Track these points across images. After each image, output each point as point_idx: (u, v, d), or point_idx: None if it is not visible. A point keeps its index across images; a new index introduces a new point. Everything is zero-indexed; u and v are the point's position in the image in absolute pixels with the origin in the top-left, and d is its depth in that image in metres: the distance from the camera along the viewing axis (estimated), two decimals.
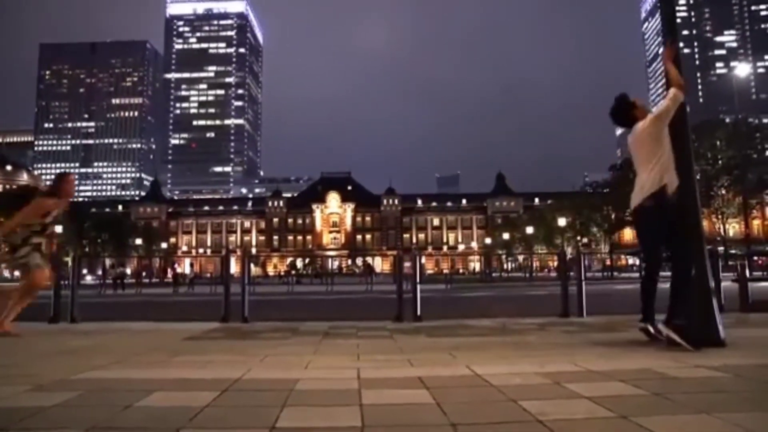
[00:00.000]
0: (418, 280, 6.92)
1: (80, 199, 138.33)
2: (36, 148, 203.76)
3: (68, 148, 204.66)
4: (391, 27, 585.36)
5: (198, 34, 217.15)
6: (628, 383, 2.68)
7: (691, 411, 2.17)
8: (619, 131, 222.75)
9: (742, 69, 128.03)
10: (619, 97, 4.32)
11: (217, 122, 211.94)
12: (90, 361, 3.61)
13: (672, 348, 3.76)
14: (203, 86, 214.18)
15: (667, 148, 3.99)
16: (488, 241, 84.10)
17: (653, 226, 4.02)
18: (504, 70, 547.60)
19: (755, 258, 24.03)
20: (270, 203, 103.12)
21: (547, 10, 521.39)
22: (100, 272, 31.86)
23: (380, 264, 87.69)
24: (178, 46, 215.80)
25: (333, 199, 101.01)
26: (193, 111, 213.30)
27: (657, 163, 3.95)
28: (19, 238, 5.42)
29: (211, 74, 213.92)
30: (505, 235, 72.78)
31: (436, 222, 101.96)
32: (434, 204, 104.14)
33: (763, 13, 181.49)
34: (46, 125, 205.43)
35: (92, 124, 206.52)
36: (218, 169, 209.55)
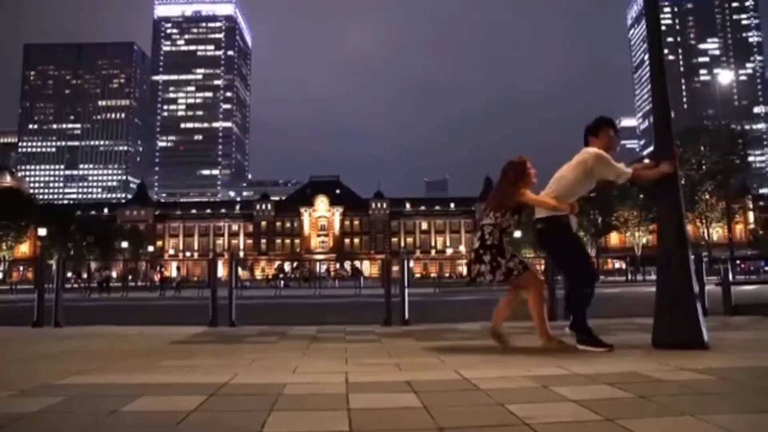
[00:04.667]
0: (406, 283, 6.92)
1: (65, 202, 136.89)
2: (20, 150, 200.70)
3: (53, 149, 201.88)
4: (380, 30, 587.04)
5: (186, 37, 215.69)
6: (613, 386, 2.70)
7: (676, 413, 2.20)
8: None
9: (725, 76, 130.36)
10: (598, 119, 4.35)
11: (205, 125, 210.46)
12: (74, 366, 3.56)
13: (658, 351, 3.81)
14: (191, 89, 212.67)
15: (564, 195, 4.10)
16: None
17: (560, 243, 4.18)
18: (493, 75, 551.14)
19: (738, 262, 24.35)
20: (258, 206, 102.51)
21: (537, 16, 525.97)
22: (85, 275, 31.46)
23: (368, 268, 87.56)
24: (166, 48, 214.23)
25: (321, 202, 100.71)
26: (180, 113, 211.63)
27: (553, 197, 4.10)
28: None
29: (199, 77, 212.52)
30: None
31: (424, 226, 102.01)
32: (422, 208, 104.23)
33: (744, 21, 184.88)
34: (30, 126, 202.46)
35: (78, 125, 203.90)
36: (206, 172, 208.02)
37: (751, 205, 71.41)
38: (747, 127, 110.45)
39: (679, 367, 3.18)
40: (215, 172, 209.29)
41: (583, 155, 4.16)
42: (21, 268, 72.38)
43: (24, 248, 73.91)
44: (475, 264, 4.22)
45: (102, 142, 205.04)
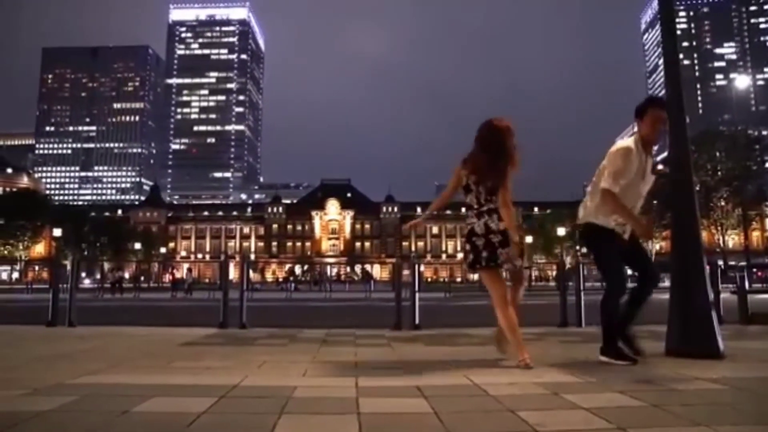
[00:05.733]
0: (416, 287, 6.91)
1: (80, 203, 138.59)
2: (36, 152, 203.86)
3: (69, 151, 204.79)
4: (391, 34, 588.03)
5: (200, 40, 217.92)
6: (626, 394, 2.67)
7: (689, 423, 2.17)
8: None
9: (742, 81, 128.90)
10: (646, 98, 3.87)
11: (218, 128, 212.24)
12: (87, 366, 3.60)
13: (671, 360, 3.76)
14: (204, 92, 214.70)
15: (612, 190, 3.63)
16: None
17: (604, 245, 3.81)
18: (504, 78, 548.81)
19: (754, 270, 23.97)
20: (269, 209, 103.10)
21: (549, 17, 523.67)
22: (98, 276, 31.83)
23: (379, 271, 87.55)
24: (180, 52, 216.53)
25: (332, 205, 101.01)
26: (194, 116, 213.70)
27: (594, 200, 3.79)
28: None
29: (213, 80, 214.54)
30: None
31: (435, 230, 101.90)
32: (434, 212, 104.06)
33: (762, 25, 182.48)
34: (47, 129, 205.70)
35: (93, 128, 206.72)
36: (218, 174, 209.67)
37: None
38: (764, 132, 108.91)
39: (692, 376, 3.14)
40: (227, 174, 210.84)
41: (611, 153, 3.73)
42: (36, 267, 73.35)
43: (39, 248, 74.90)
44: (504, 247, 3.66)
45: (116, 145, 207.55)
